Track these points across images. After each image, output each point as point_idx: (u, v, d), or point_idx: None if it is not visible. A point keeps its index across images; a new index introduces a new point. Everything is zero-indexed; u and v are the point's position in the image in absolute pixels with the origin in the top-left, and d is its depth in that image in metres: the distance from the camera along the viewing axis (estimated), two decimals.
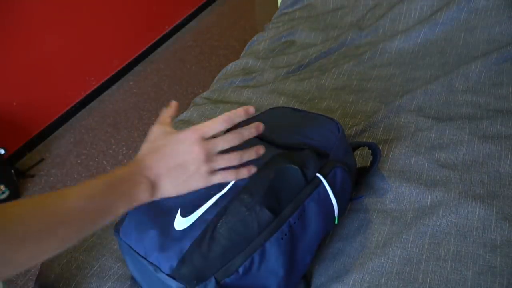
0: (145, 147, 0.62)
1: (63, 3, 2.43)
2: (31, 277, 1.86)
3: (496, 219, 0.79)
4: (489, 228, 0.78)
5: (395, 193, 0.88)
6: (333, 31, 1.54)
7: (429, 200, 0.85)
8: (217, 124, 0.61)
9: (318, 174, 0.74)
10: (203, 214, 0.70)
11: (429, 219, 0.81)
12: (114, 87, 2.88)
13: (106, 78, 2.82)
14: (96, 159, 2.39)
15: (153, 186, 0.60)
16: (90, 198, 0.54)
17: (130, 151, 2.39)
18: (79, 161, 2.40)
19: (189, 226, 0.69)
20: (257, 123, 0.64)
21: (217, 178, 0.62)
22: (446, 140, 0.98)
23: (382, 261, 0.77)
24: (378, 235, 0.81)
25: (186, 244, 0.67)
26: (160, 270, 0.67)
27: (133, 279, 0.82)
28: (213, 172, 0.62)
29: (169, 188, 0.61)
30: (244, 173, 0.64)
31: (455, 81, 1.17)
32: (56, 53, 2.50)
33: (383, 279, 0.74)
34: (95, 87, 2.78)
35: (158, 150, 0.61)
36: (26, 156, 2.47)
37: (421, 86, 1.17)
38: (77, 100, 2.70)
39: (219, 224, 0.68)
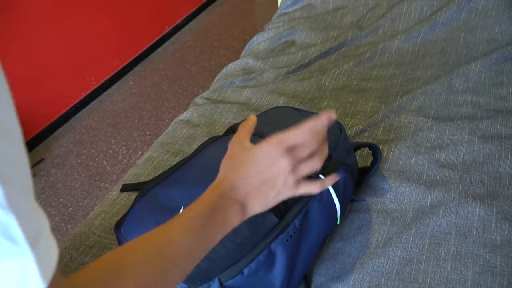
0: (226, 165, 0.59)
1: (63, 3, 2.43)
2: None
3: (496, 219, 0.79)
4: (489, 228, 0.78)
5: (395, 193, 0.88)
6: (333, 31, 1.54)
7: (429, 200, 0.85)
8: (300, 133, 0.57)
9: (321, 176, 0.74)
10: None
11: (429, 219, 0.81)
12: (114, 87, 2.88)
13: (106, 78, 2.82)
14: (96, 159, 2.39)
15: (243, 207, 0.57)
16: (193, 234, 0.52)
17: (130, 151, 2.39)
18: (79, 161, 2.40)
19: None
20: (328, 112, 0.60)
21: (304, 189, 0.59)
22: (446, 140, 0.98)
23: (382, 261, 0.76)
24: (378, 235, 0.81)
25: None
26: None
27: None
28: (299, 181, 0.59)
29: (259, 205, 0.58)
30: (329, 182, 0.61)
31: (455, 81, 1.17)
32: (56, 53, 2.50)
33: (383, 279, 0.74)
34: (95, 87, 2.78)
35: (242, 167, 0.57)
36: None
37: (421, 86, 1.17)
38: (77, 100, 2.70)
39: None
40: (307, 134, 0.58)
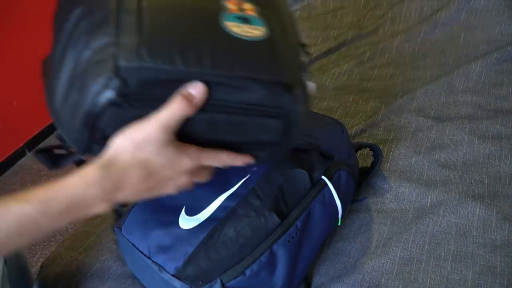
0: (129, 152, 0.49)
1: None
2: None
3: (497, 219, 0.79)
4: (489, 228, 0.78)
5: (395, 193, 0.88)
6: (333, 31, 1.54)
7: (429, 200, 0.85)
8: (222, 158, 0.55)
9: (323, 177, 0.74)
10: (210, 214, 0.69)
11: (429, 219, 0.81)
12: None
13: None
14: None
15: (110, 204, 0.51)
16: (44, 215, 0.47)
17: None
18: None
19: (195, 227, 0.69)
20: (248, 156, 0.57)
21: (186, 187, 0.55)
22: (446, 140, 0.98)
23: (382, 261, 0.77)
24: (378, 235, 0.81)
25: (193, 245, 0.67)
26: (165, 270, 0.67)
27: (132, 278, 0.82)
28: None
29: (128, 199, 0.52)
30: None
31: (455, 81, 1.17)
32: None
33: (383, 279, 0.74)
34: None
35: (146, 168, 0.50)
36: (26, 155, 2.47)
37: (421, 86, 1.17)
38: None
39: (226, 227, 0.67)
40: (226, 162, 0.56)
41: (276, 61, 0.53)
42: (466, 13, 1.38)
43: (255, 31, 0.53)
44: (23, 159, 2.45)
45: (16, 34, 2.26)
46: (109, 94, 0.47)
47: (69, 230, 2.05)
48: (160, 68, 0.47)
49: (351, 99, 1.20)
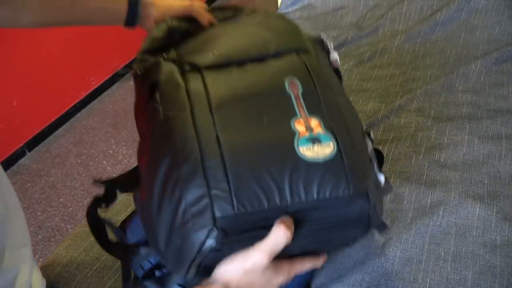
0: (241, 279, 0.57)
1: None
2: None
3: (496, 219, 0.79)
4: (489, 228, 0.78)
5: (395, 193, 0.88)
6: (333, 31, 1.54)
7: (429, 200, 0.85)
8: (306, 266, 0.62)
9: None
10: None
11: (429, 219, 0.81)
12: (114, 87, 2.88)
13: (106, 78, 2.82)
14: (96, 159, 2.39)
15: None
16: None
17: (130, 151, 2.40)
18: (79, 161, 2.40)
19: None
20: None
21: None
22: (446, 140, 0.98)
23: (382, 261, 0.77)
24: (378, 235, 0.81)
25: None
26: None
27: (132, 278, 0.82)
28: None
29: None
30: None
31: (455, 81, 1.17)
32: (56, 53, 2.50)
33: (383, 279, 0.74)
34: (95, 87, 2.79)
35: (252, 285, 0.58)
36: (26, 155, 2.48)
37: (421, 86, 1.17)
38: (77, 100, 2.70)
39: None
40: (310, 267, 0.62)
41: (348, 174, 0.57)
42: (466, 13, 1.38)
43: (326, 150, 0.58)
44: (23, 159, 2.45)
45: (16, 34, 2.26)
46: (211, 243, 0.54)
47: (69, 230, 2.05)
48: (250, 212, 0.54)
49: (351, 99, 1.20)
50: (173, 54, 0.67)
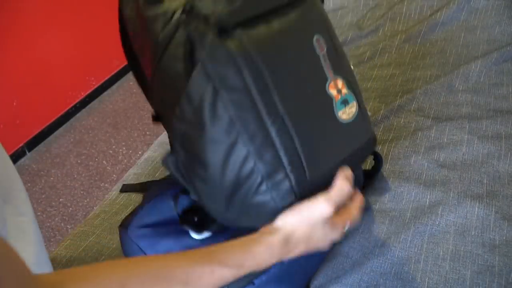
0: (303, 228, 0.60)
1: (63, 3, 2.43)
2: None
3: (495, 219, 0.79)
4: (488, 228, 0.78)
5: (394, 193, 0.88)
6: None
7: (428, 200, 0.85)
8: (345, 188, 0.62)
9: None
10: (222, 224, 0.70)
11: (428, 219, 0.81)
12: (114, 87, 2.88)
13: (106, 78, 2.83)
14: (96, 159, 2.39)
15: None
16: (234, 278, 0.55)
17: (130, 151, 2.40)
18: (79, 161, 2.40)
19: (207, 237, 0.69)
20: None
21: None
22: (445, 140, 0.98)
23: (381, 261, 0.76)
24: (376, 235, 0.81)
25: None
26: None
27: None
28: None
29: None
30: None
31: (455, 81, 1.17)
32: (56, 53, 2.51)
33: (381, 279, 0.74)
34: (95, 87, 2.79)
35: (311, 240, 0.61)
36: (26, 155, 2.48)
37: (421, 86, 1.17)
38: (77, 100, 2.70)
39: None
40: (348, 185, 0.63)
41: (368, 125, 0.71)
42: (466, 13, 1.38)
43: (353, 109, 0.67)
44: (23, 159, 2.45)
45: (16, 34, 2.26)
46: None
47: (69, 230, 2.05)
48: (319, 175, 0.63)
49: None
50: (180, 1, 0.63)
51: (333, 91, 0.64)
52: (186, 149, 0.65)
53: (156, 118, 0.78)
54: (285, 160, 0.60)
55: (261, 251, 0.57)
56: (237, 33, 0.59)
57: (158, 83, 0.67)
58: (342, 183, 0.61)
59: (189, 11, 0.60)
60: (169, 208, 0.73)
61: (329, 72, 0.64)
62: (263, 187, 0.60)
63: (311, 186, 0.62)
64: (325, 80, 0.64)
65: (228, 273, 0.54)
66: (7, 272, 0.36)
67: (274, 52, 0.61)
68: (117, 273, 0.48)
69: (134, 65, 0.76)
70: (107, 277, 0.47)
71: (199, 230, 0.70)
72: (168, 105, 0.66)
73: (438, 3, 1.45)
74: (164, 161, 0.69)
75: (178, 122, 0.64)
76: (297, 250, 0.60)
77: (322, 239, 0.61)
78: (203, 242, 0.69)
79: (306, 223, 0.60)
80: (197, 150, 0.62)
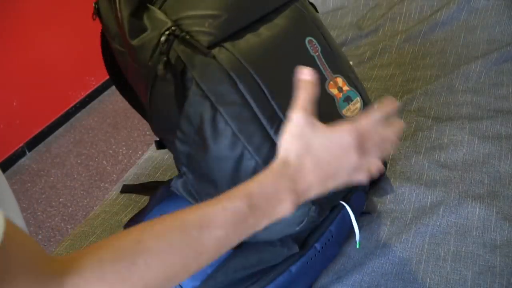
0: (292, 145, 0.52)
1: (63, 3, 2.43)
2: None
3: (496, 219, 0.79)
4: (489, 228, 0.78)
5: (395, 193, 0.88)
6: (333, 31, 1.54)
7: (429, 200, 0.85)
8: (373, 121, 0.55)
9: (341, 202, 0.75)
10: None
11: (429, 219, 0.81)
12: (114, 87, 2.87)
13: (106, 78, 2.82)
14: (96, 159, 2.39)
15: (298, 197, 0.52)
16: (233, 227, 0.48)
17: (130, 151, 2.39)
18: (79, 161, 2.40)
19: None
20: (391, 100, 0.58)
21: (356, 180, 0.56)
22: (446, 140, 0.98)
23: (382, 261, 0.76)
24: (377, 235, 0.81)
25: (213, 265, 0.67)
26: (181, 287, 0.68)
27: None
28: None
29: (314, 195, 0.53)
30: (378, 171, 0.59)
31: (455, 81, 1.16)
32: (56, 53, 2.50)
33: (382, 280, 0.74)
34: (95, 87, 2.79)
35: (311, 152, 0.52)
36: (26, 155, 2.48)
37: (421, 86, 1.17)
38: (77, 100, 2.70)
39: (249, 252, 0.68)
40: (379, 121, 0.55)
41: None
42: (466, 13, 1.38)
43: (357, 105, 0.66)
44: (23, 159, 2.45)
45: (16, 34, 2.26)
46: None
47: (69, 230, 2.05)
48: None
49: None
50: (161, 16, 0.63)
51: (333, 90, 0.64)
52: (193, 170, 0.65)
53: (160, 145, 0.78)
54: None
55: (265, 177, 0.51)
56: (226, 47, 0.60)
57: (155, 108, 0.67)
58: (301, 90, 0.54)
59: (175, 33, 0.60)
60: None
61: (326, 72, 0.64)
62: None
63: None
64: (323, 80, 0.64)
65: (240, 204, 0.48)
66: (25, 259, 0.36)
67: (266, 59, 0.61)
68: (132, 233, 0.45)
69: (130, 95, 0.76)
70: (122, 239, 0.44)
71: None
72: (169, 129, 0.66)
73: (438, 3, 1.45)
74: (173, 186, 0.69)
75: (181, 144, 0.64)
76: (307, 170, 0.52)
77: (326, 151, 0.52)
78: None
79: (290, 137, 0.53)
80: (204, 169, 0.62)
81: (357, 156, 0.53)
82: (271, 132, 0.59)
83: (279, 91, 0.60)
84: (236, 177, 0.60)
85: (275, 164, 0.52)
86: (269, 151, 0.59)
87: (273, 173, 0.51)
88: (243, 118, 0.59)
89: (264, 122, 0.59)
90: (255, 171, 0.59)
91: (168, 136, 0.69)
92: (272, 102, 0.60)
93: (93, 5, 0.72)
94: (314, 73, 0.54)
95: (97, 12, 0.71)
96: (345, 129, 0.53)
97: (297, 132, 0.53)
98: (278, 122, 0.60)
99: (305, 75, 0.54)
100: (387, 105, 0.57)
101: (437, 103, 1.11)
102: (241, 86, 0.59)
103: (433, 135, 1.00)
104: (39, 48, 2.40)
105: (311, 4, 0.74)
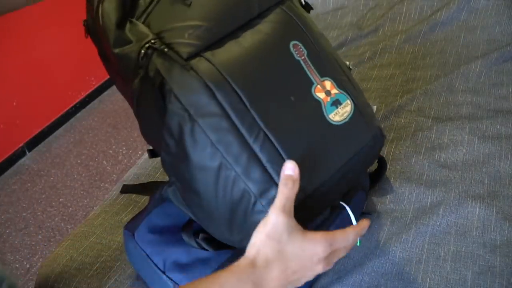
0: (264, 246, 0.54)
1: (63, 3, 2.43)
2: (31, 277, 1.86)
3: (496, 219, 0.79)
4: (489, 228, 0.78)
5: (395, 193, 0.88)
6: (333, 31, 1.54)
7: (429, 200, 0.85)
8: (350, 237, 0.57)
9: (342, 203, 0.75)
10: None
11: (429, 219, 0.81)
12: (114, 87, 2.87)
13: (106, 78, 2.82)
14: (96, 159, 2.39)
15: None
16: None
17: (130, 151, 2.39)
18: (79, 161, 2.40)
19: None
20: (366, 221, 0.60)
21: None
22: (446, 140, 0.98)
23: (382, 261, 0.77)
24: (378, 235, 0.81)
25: (213, 267, 0.67)
26: None
27: (132, 279, 0.82)
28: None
29: None
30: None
31: (455, 81, 1.17)
32: (56, 53, 2.50)
33: (382, 280, 0.74)
34: (95, 87, 2.78)
35: (280, 260, 0.53)
36: (26, 155, 2.48)
37: (421, 86, 1.17)
38: (77, 100, 2.70)
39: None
40: (355, 238, 0.57)
41: (368, 122, 0.67)
42: (466, 13, 1.38)
43: (346, 108, 0.65)
44: (23, 159, 2.45)
45: (16, 34, 2.26)
46: None
47: (69, 230, 2.05)
48: (315, 189, 0.62)
49: None
50: (144, 29, 0.62)
51: (320, 94, 0.63)
52: (179, 179, 0.65)
53: (152, 154, 0.79)
54: (274, 176, 0.59)
55: (227, 276, 0.53)
56: (206, 57, 0.59)
57: (142, 119, 0.67)
58: (282, 188, 0.55)
59: (154, 46, 0.60)
60: (178, 214, 0.73)
61: (313, 76, 0.63)
62: (259, 206, 0.59)
63: (311, 197, 0.60)
64: (310, 84, 0.63)
65: None
66: None
67: (246, 68, 0.60)
68: None
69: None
70: None
71: (218, 248, 0.69)
72: (155, 139, 0.66)
73: (438, 3, 1.45)
74: (164, 194, 0.70)
75: (165, 154, 0.64)
76: (273, 275, 0.53)
77: (302, 257, 0.55)
78: (213, 253, 0.68)
79: (264, 237, 0.54)
80: (188, 179, 0.62)
81: (322, 267, 0.56)
82: (250, 141, 0.59)
83: (259, 98, 0.60)
84: (217, 188, 0.60)
85: (241, 264, 0.53)
86: (247, 160, 0.59)
87: (237, 275, 0.52)
88: (221, 128, 0.59)
89: (243, 131, 0.59)
90: (234, 182, 0.59)
91: (156, 146, 0.70)
92: (252, 111, 0.59)
93: (83, 23, 0.73)
94: (297, 170, 0.56)
95: (88, 30, 0.72)
96: (319, 240, 0.55)
97: (274, 236, 0.53)
98: (257, 130, 0.59)
99: (288, 169, 0.55)
100: (363, 226, 0.59)
101: (437, 103, 1.11)
102: (219, 96, 0.58)
103: (433, 135, 1.00)
104: (39, 48, 2.40)
105: (306, 3, 0.73)
